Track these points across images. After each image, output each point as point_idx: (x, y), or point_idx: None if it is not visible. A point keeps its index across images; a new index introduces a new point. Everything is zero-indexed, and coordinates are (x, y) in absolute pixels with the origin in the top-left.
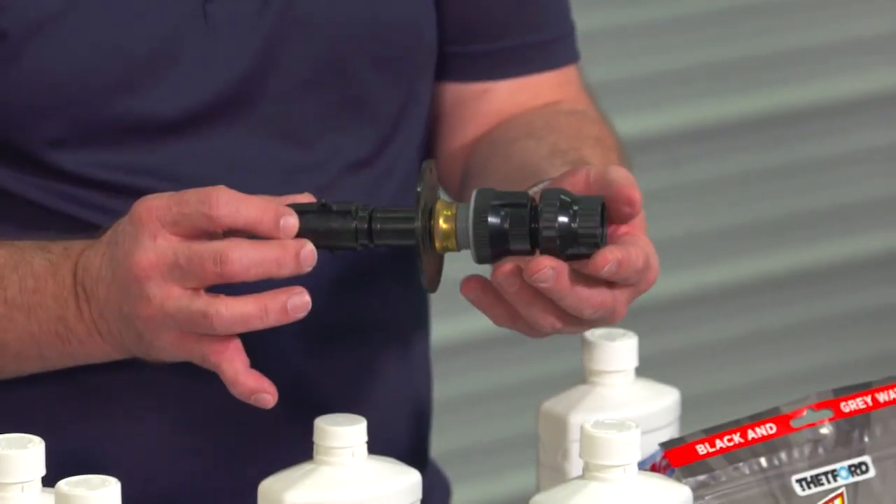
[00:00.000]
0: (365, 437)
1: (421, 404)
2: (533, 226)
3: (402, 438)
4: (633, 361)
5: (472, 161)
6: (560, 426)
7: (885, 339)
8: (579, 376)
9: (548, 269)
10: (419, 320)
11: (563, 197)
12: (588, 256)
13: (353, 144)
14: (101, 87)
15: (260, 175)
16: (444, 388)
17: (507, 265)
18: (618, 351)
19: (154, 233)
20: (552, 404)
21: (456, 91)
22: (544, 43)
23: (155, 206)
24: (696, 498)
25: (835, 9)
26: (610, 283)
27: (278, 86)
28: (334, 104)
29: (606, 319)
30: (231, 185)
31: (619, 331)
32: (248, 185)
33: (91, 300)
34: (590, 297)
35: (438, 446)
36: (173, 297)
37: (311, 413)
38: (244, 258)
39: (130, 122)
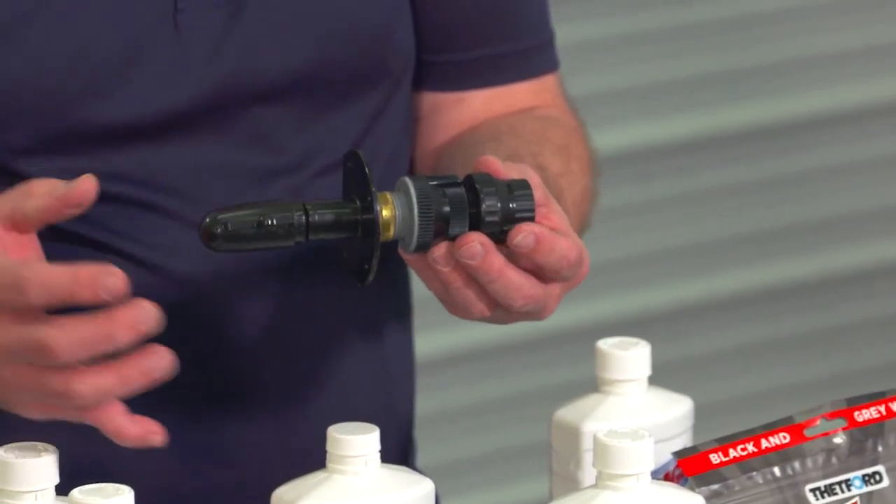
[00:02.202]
0: (378, 446)
1: (400, 416)
2: (472, 210)
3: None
4: (646, 370)
5: (440, 164)
6: (573, 435)
7: None
8: (592, 385)
9: (475, 243)
10: (399, 324)
11: (496, 180)
12: None
13: (326, 149)
14: (69, 93)
15: (232, 179)
16: (456, 396)
17: (443, 244)
18: (631, 360)
19: None
20: (565, 413)
21: (431, 99)
22: (521, 52)
23: None
24: None
25: (835, 18)
26: (542, 276)
27: (251, 93)
28: (307, 110)
29: (536, 314)
30: (202, 191)
31: (632, 339)
32: (220, 189)
33: None
34: (520, 287)
35: (450, 455)
36: (24, 376)
37: (277, 416)
38: (71, 344)
39: (100, 128)
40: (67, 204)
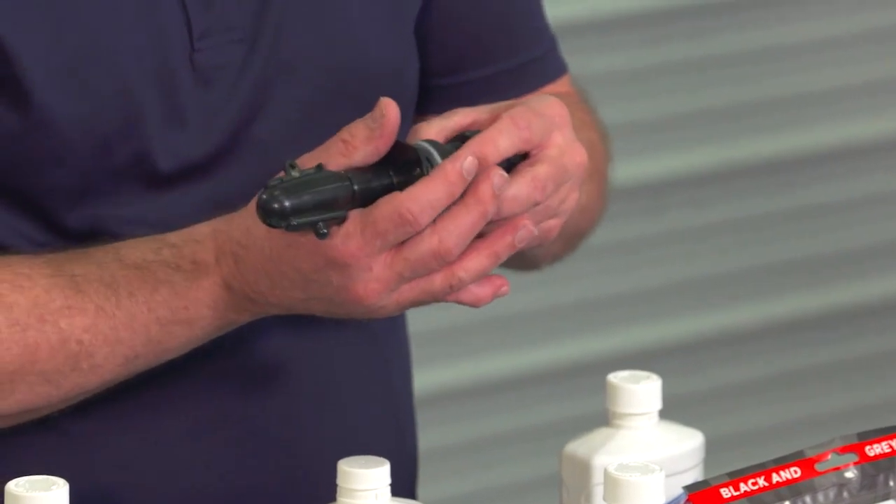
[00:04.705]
0: (388, 480)
1: (409, 448)
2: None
3: None
4: (657, 404)
5: None
6: (583, 469)
7: None
8: (603, 419)
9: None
10: (403, 357)
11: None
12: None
13: None
14: (109, 134)
15: None
16: (467, 430)
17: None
18: (641, 393)
19: (367, 266)
20: (575, 447)
21: None
22: (528, 63)
23: (353, 248)
24: None
25: (845, 53)
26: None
27: (265, 130)
28: (319, 145)
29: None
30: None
31: (643, 373)
32: None
33: (261, 306)
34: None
35: (461, 488)
36: (410, 289)
37: (291, 451)
38: (460, 238)
39: (132, 172)
40: (390, 138)
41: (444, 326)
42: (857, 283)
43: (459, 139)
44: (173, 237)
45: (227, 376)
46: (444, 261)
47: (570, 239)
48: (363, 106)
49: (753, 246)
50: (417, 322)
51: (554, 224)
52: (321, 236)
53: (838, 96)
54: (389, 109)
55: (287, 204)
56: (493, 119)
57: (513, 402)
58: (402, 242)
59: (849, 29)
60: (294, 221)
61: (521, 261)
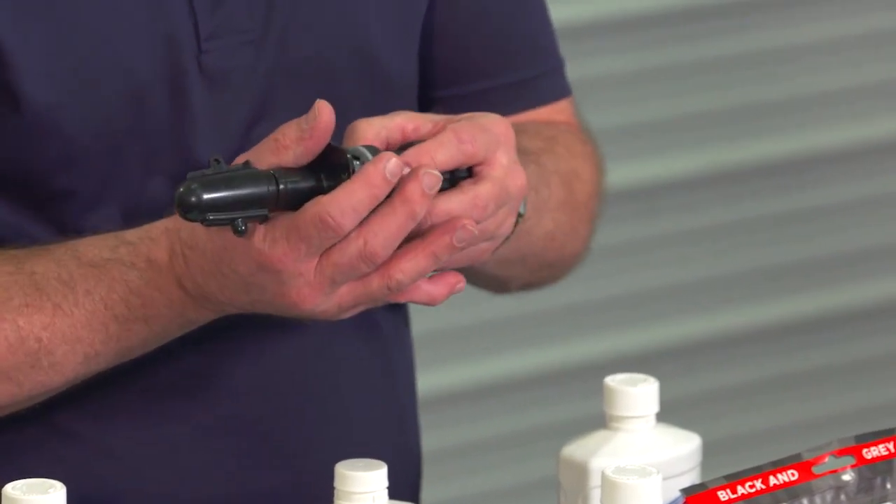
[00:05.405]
0: (385, 483)
1: (412, 451)
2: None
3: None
4: (654, 407)
5: None
6: (580, 472)
7: None
8: (600, 421)
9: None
10: (407, 359)
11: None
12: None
13: None
14: (121, 133)
15: None
16: (464, 433)
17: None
18: (638, 396)
19: (296, 272)
20: (573, 450)
21: None
22: (531, 80)
23: (280, 254)
24: None
25: (843, 55)
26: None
27: (273, 132)
28: None
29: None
30: None
31: (640, 376)
32: None
33: (217, 305)
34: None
35: (458, 491)
36: (348, 292)
37: (281, 450)
38: (388, 240)
39: (141, 175)
40: (320, 140)
41: (441, 329)
42: (853, 286)
43: (403, 150)
44: (131, 234)
45: (230, 378)
46: (372, 263)
47: (536, 268)
48: (370, 109)
49: (748, 249)
50: (414, 324)
51: (486, 247)
52: (239, 233)
53: (832, 100)
54: (323, 112)
55: (204, 197)
56: (436, 130)
57: (510, 404)
58: (332, 246)
59: (843, 33)
60: (210, 216)
61: (486, 283)
